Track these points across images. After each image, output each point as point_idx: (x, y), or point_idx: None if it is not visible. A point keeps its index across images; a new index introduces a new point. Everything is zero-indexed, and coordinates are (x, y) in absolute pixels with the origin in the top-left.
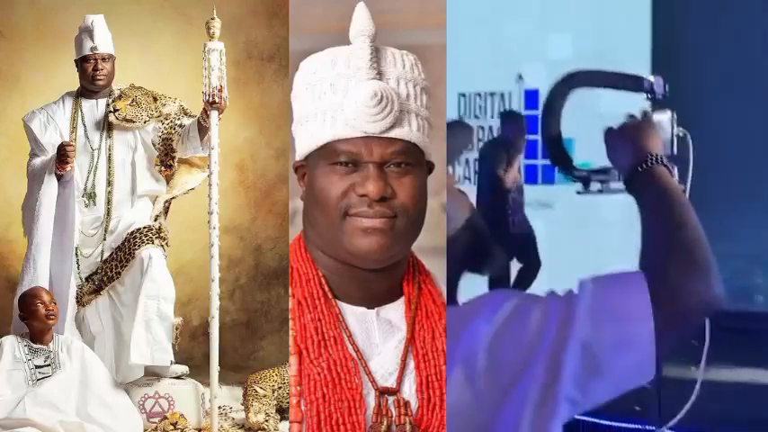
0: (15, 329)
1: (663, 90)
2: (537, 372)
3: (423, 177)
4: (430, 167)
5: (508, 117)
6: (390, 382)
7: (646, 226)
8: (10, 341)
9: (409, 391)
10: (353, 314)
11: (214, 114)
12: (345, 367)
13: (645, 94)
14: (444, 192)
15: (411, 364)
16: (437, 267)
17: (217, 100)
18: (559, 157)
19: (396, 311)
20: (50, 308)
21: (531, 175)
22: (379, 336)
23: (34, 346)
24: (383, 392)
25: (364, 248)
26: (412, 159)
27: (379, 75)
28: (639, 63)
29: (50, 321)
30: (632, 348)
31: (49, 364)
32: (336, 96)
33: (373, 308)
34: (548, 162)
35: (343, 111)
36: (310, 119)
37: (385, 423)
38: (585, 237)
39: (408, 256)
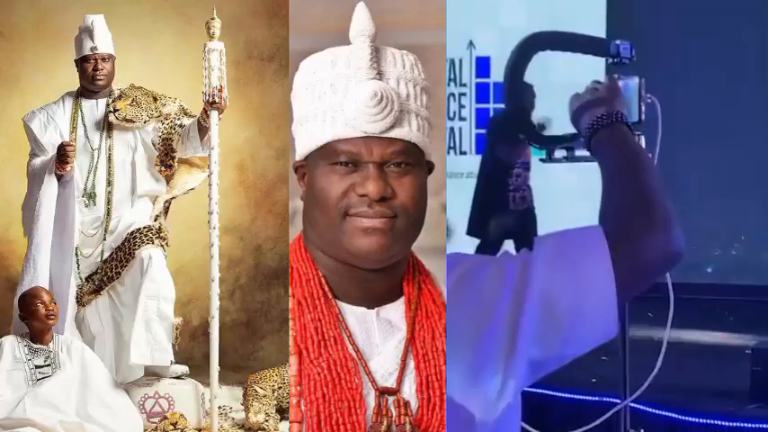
0: (15, 329)
1: (630, 54)
2: (495, 334)
3: (423, 177)
4: (430, 167)
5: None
6: (390, 382)
7: (606, 183)
8: (10, 341)
9: (409, 391)
10: (353, 314)
11: (214, 114)
12: (345, 367)
13: (610, 59)
14: (444, 192)
15: (411, 364)
16: (437, 267)
17: (217, 100)
18: (524, 124)
19: (396, 311)
20: (50, 308)
21: (482, 145)
22: (379, 336)
23: (34, 346)
24: (383, 392)
25: (364, 248)
26: (412, 159)
27: (379, 75)
28: (595, 31)
29: (50, 321)
30: (593, 303)
31: (49, 364)
32: (336, 96)
33: (373, 308)
34: None
35: (343, 111)
36: (310, 119)
37: (385, 423)
38: (541, 206)
39: (408, 256)
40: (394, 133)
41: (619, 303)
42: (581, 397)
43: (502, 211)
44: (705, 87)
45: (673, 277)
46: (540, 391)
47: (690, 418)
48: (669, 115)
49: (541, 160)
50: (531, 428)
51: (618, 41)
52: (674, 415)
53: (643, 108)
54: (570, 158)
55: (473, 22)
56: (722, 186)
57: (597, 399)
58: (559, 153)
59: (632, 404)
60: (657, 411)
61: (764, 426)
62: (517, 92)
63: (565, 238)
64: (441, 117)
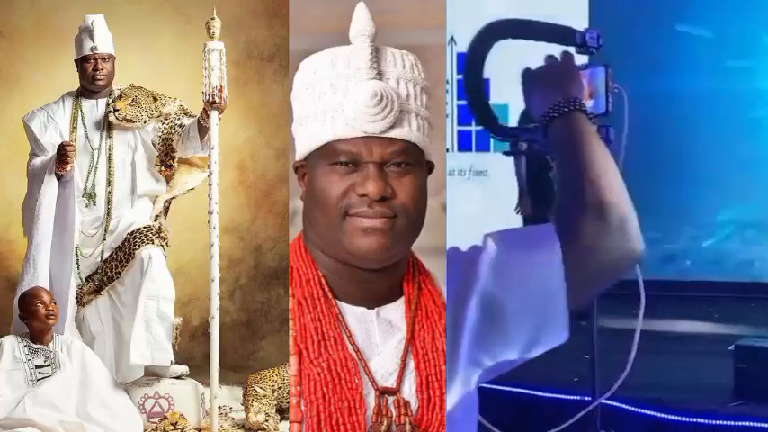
0: (15, 329)
1: (596, 43)
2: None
3: (423, 177)
4: (430, 167)
5: None
6: (390, 382)
7: (559, 177)
8: (10, 341)
9: (409, 391)
10: (353, 314)
11: (214, 114)
12: (345, 367)
13: (576, 48)
14: (444, 192)
15: (411, 364)
16: (437, 267)
17: (217, 100)
18: (483, 115)
19: (396, 311)
20: (50, 308)
21: (465, 142)
22: (379, 336)
23: (34, 346)
24: (383, 392)
25: (364, 248)
26: (412, 159)
27: (379, 75)
28: (578, 26)
29: (50, 321)
30: (541, 307)
31: (49, 364)
32: (336, 96)
33: (373, 308)
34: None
35: (343, 111)
36: (310, 119)
37: (385, 423)
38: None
39: (408, 256)
40: (394, 133)
41: (575, 306)
42: (563, 396)
43: (549, 196)
44: (687, 79)
45: (654, 273)
46: (521, 390)
47: (672, 416)
48: (641, 107)
49: (505, 153)
50: (490, 425)
51: (583, 29)
52: (655, 413)
53: (610, 99)
54: (533, 150)
55: (453, 18)
56: (696, 178)
57: (579, 398)
58: (522, 145)
59: (612, 402)
60: (638, 410)
61: (748, 423)
62: (477, 81)
63: (515, 236)
64: (441, 117)
